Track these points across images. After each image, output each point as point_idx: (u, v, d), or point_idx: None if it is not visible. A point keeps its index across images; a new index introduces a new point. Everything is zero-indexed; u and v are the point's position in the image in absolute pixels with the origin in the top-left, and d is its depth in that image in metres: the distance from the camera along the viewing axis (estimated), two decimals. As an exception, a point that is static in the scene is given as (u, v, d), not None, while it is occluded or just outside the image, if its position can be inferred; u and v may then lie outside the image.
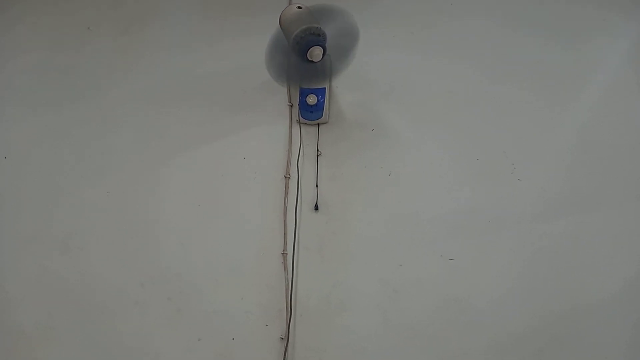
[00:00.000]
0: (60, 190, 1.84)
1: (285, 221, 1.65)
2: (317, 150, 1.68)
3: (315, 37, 1.47)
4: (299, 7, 1.49)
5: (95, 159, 1.83)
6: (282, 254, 1.63)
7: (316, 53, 1.46)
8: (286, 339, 1.58)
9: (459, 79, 1.64)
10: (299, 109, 1.67)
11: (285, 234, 1.64)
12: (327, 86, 1.67)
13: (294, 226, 1.63)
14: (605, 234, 1.48)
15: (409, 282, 1.56)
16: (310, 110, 1.66)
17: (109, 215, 1.78)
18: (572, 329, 1.46)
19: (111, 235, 1.77)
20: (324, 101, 1.66)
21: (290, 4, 1.74)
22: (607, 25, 1.58)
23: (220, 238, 1.69)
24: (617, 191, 1.50)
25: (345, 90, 1.70)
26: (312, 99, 1.65)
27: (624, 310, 1.44)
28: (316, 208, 1.65)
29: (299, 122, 1.69)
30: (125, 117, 1.84)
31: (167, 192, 1.75)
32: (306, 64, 1.51)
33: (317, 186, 1.66)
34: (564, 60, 1.59)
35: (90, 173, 1.82)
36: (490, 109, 1.61)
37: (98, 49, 1.91)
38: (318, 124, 1.69)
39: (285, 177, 1.67)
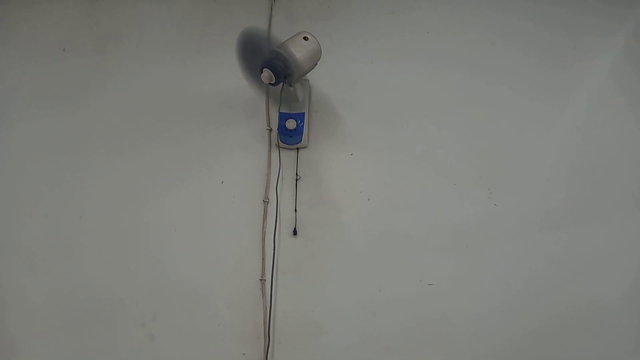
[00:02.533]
0: (28, 208, 1.77)
1: (263, 246, 1.63)
2: (296, 174, 1.67)
3: (276, 62, 1.46)
4: (305, 38, 1.50)
5: (67, 180, 1.77)
6: (260, 280, 1.60)
7: (264, 75, 1.46)
8: (264, 367, 1.55)
9: (437, 104, 1.67)
10: (278, 133, 1.67)
11: (263, 259, 1.62)
12: (306, 111, 1.68)
13: (272, 251, 1.62)
14: (584, 253, 1.53)
15: (387, 305, 1.56)
16: (290, 134, 1.66)
17: (81, 237, 1.72)
18: (548, 349, 1.49)
19: (81, 258, 1.71)
20: (303, 125, 1.66)
21: (270, 25, 1.77)
22: (590, 41, 1.65)
23: (196, 263, 1.65)
24: (594, 212, 1.56)
25: (324, 114, 1.71)
26: (291, 124, 1.65)
27: (600, 338, 1.48)
28: (294, 233, 1.64)
29: (278, 147, 1.69)
30: (99, 138, 1.79)
31: (142, 216, 1.71)
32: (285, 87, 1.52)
33: (295, 210, 1.65)
34: (545, 80, 1.65)
35: (61, 194, 1.77)
36: (468, 133, 1.64)
37: (73, 68, 1.87)
38: (297, 148, 1.69)
39: (264, 201, 1.66)
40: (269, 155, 1.70)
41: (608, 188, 1.57)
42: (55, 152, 1.80)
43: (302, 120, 1.66)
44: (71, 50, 1.88)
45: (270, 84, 1.48)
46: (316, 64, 1.55)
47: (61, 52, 1.88)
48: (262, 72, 1.46)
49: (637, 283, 1.51)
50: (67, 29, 1.89)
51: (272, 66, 1.45)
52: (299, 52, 1.48)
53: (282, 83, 1.52)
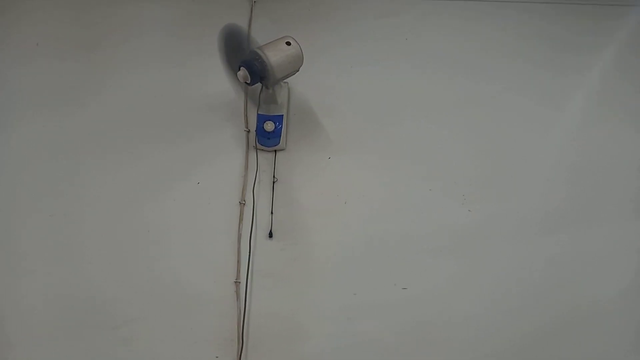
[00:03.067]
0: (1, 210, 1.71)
1: (239, 248, 1.61)
2: (274, 176, 1.67)
3: (253, 62, 1.46)
4: (288, 43, 1.50)
5: (40, 180, 1.72)
6: (235, 282, 1.59)
7: (240, 74, 1.47)
8: (237, 370, 1.53)
9: (415, 109, 1.70)
10: (256, 135, 1.66)
11: (238, 261, 1.61)
12: (284, 113, 1.67)
13: (247, 254, 1.60)
14: (583, 254, 1.58)
15: (362, 310, 1.57)
16: (268, 136, 1.66)
17: (52, 238, 1.67)
18: (547, 349, 1.52)
19: (52, 260, 1.65)
20: (281, 128, 1.66)
21: (250, 27, 1.77)
22: (585, 44, 1.71)
23: (170, 265, 1.63)
24: (593, 213, 1.61)
25: (302, 117, 1.71)
26: (269, 126, 1.65)
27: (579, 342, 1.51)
28: (270, 235, 1.63)
29: (256, 148, 1.68)
30: (72, 136, 1.75)
31: (115, 216, 1.67)
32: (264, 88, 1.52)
33: (272, 213, 1.64)
34: (528, 86, 1.70)
35: (34, 194, 1.71)
36: (445, 139, 1.67)
37: (47, 68, 1.82)
38: (275, 151, 1.68)
39: (240, 203, 1.65)
40: (247, 157, 1.69)
41: (607, 190, 1.62)
42: (26, 152, 1.74)
43: (281, 123, 1.66)
44: (49, 48, 1.83)
45: (246, 83, 1.48)
46: (298, 70, 1.56)
47: (34, 46, 1.83)
48: (239, 70, 1.46)
49: (636, 283, 1.55)
50: (43, 27, 1.84)
51: (248, 66, 1.46)
52: (277, 55, 1.48)
53: (260, 84, 1.53)
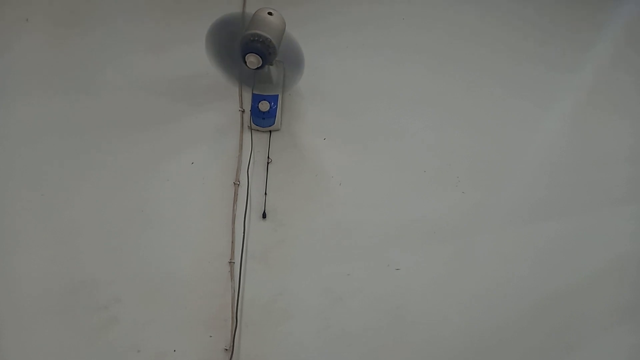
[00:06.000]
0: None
1: (233, 229, 1.61)
2: (268, 157, 1.66)
3: (257, 44, 1.42)
4: (270, 13, 1.46)
5: (29, 160, 1.70)
6: (229, 262, 1.59)
7: (250, 60, 1.43)
8: (230, 349, 1.53)
9: (410, 90, 1.69)
10: (251, 115, 1.65)
11: (232, 242, 1.60)
12: (280, 93, 1.66)
13: (242, 234, 1.60)
14: (571, 243, 1.58)
15: (355, 290, 1.57)
16: (262, 116, 1.64)
17: (41, 217, 1.65)
18: (507, 338, 1.53)
19: (43, 239, 1.64)
20: (276, 108, 1.65)
21: (243, 10, 1.74)
22: (575, 36, 1.72)
23: (164, 245, 1.62)
24: (580, 204, 1.61)
25: (298, 98, 1.70)
26: (264, 106, 1.63)
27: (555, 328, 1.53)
28: (264, 216, 1.63)
29: (250, 129, 1.67)
30: (64, 116, 1.73)
31: (108, 196, 1.66)
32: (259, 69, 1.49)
33: (266, 194, 1.64)
34: (519, 71, 1.70)
35: (23, 173, 1.69)
36: (440, 121, 1.67)
37: (33, 43, 1.79)
38: (270, 131, 1.67)
39: (234, 183, 1.64)
40: (241, 137, 1.67)
41: (593, 179, 1.62)
42: (15, 131, 1.72)
43: (276, 103, 1.65)
44: (36, 23, 1.79)
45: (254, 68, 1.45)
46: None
47: (24, 21, 1.79)
48: (245, 59, 1.42)
49: (623, 273, 1.55)
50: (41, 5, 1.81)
51: (255, 50, 1.41)
52: (273, 29, 1.45)
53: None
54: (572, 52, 1.72)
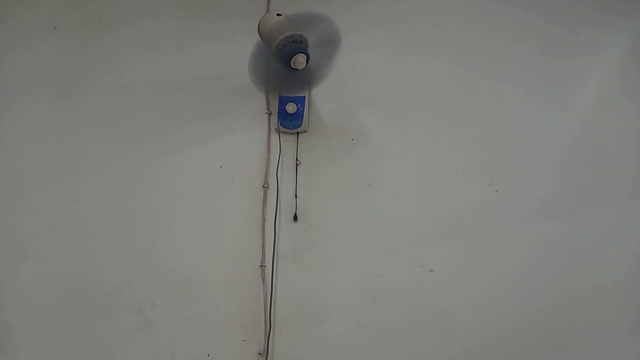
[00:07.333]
0: (17, 194, 1.72)
1: (263, 232, 1.61)
2: (296, 159, 1.65)
3: (297, 45, 1.45)
4: (279, 15, 1.47)
5: (61, 163, 1.72)
6: (261, 265, 1.59)
7: (300, 61, 1.44)
8: (265, 353, 1.54)
9: (439, 88, 1.66)
10: (278, 117, 1.64)
11: (263, 245, 1.60)
12: (306, 94, 1.64)
13: (272, 237, 1.60)
14: (583, 239, 1.53)
15: (388, 291, 1.56)
16: (290, 118, 1.63)
17: (74, 222, 1.68)
18: (545, 336, 1.49)
19: (77, 244, 1.67)
20: (303, 109, 1.63)
21: (268, 10, 1.72)
22: (595, 35, 1.65)
23: (195, 249, 1.63)
24: (592, 200, 1.56)
25: (325, 98, 1.68)
26: (291, 107, 1.62)
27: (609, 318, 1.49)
28: (295, 218, 1.62)
29: (278, 131, 1.66)
30: (95, 122, 1.75)
31: (140, 201, 1.67)
32: (287, 71, 1.48)
33: (296, 196, 1.63)
34: (549, 68, 1.63)
35: (55, 178, 1.72)
36: (471, 119, 1.63)
37: (63, 50, 1.81)
38: (297, 133, 1.66)
39: (263, 186, 1.63)
40: (269, 140, 1.67)
41: (606, 176, 1.57)
42: (50, 137, 1.75)
43: (303, 104, 1.63)
44: (61, 30, 1.81)
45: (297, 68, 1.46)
46: None
47: (51, 29, 1.81)
48: (292, 61, 1.44)
49: (634, 269, 1.51)
50: (58, 9, 1.83)
51: (298, 49, 1.43)
52: (297, 28, 1.46)
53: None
54: (590, 44, 1.65)
